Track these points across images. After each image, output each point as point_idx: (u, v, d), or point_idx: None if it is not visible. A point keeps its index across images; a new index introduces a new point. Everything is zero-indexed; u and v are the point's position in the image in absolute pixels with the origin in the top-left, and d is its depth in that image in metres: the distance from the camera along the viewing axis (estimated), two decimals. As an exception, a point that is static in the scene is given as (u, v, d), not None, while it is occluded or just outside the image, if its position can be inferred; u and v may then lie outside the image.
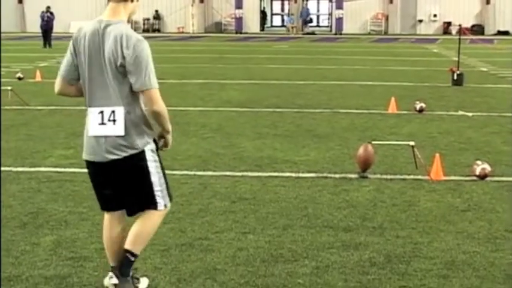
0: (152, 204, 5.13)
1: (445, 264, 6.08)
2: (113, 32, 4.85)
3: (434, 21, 58.82)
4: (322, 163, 10.04)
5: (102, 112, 4.91)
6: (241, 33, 57.50)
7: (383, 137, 11.89)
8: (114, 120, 4.89)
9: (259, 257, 6.20)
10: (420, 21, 58.93)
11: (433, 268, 5.98)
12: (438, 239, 6.76)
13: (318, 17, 67.04)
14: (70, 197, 8.17)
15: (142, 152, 5.01)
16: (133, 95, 4.91)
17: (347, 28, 57.05)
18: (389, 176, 9.25)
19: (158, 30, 60.65)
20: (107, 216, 5.26)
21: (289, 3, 62.46)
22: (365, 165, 9.24)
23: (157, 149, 5.18)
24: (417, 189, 8.65)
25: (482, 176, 9.06)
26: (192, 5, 59.74)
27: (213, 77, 22.60)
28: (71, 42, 5.07)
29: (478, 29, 55.92)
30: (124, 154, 4.93)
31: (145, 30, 60.99)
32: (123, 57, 4.80)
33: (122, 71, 4.84)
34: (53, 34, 39.92)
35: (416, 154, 9.40)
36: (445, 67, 23.14)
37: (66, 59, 5.09)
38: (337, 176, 9.28)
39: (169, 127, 5.17)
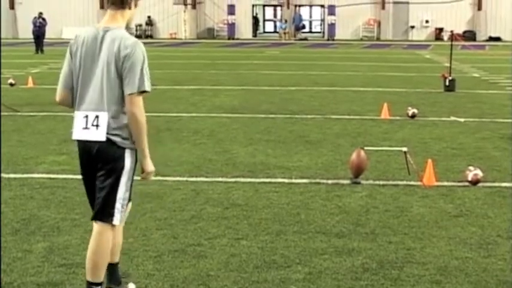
0: (108, 216, 5.04)
1: (437, 270, 6.09)
2: (111, 36, 4.94)
3: (426, 27, 59.00)
4: (315, 169, 10.05)
5: (86, 116, 4.96)
6: (233, 39, 57.55)
7: (375, 143, 11.91)
8: (97, 126, 4.91)
9: (252, 263, 6.20)
10: (412, 27, 59.08)
11: (425, 274, 5.98)
12: (431, 244, 6.77)
13: (310, 23, 67.10)
14: (62, 203, 8.15)
15: (123, 150, 4.98)
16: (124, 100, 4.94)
17: (339, 34, 57.18)
18: (381, 182, 9.26)
19: (151, 36, 60.65)
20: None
21: (281, 9, 62.52)
22: (357, 171, 9.25)
23: (135, 167, 5.14)
24: (410, 195, 8.66)
25: (475, 182, 9.08)
26: (185, 11, 59.75)
27: (206, 82, 22.60)
28: (68, 50, 5.10)
29: (469, 35, 56.08)
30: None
31: (137, 36, 60.77)
32: (120, 59, 4.88)
33: (118, 74, 4.90)
34: (45, 40, 39.89)
35: (408, 160, 9.41)
36: (437, 73, 23.20)
37: (64, 68, 5.12)
38: (329, 181, 9.29)
39: (145, 147, 5.01)
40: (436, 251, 6.57)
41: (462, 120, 14.74)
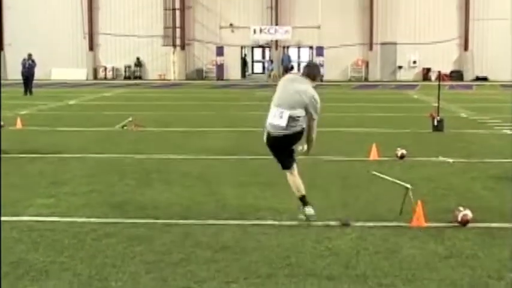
0: (291, 166, 9.55)
1: (428, 312, 6.06)
2: (304, 84, 9.39)
3: (414, 67, 59.49)
4: (305, 210, 10.00)
5: (281, 112, 9.26)
6: (222, 79, 57.81)
7: (364, 185, 11.90)
8: (281, 117, 9.24)
9: (242, 307, 6.15)
10: (400, 67, 59.56)
11: (416, 316, 5.96)
12: (421, 286, 6.75)
13: (298, 63, 67.47)
14: (51, 246, 8.10)
15: (293, 138, 9.36)
16: (300, 116, 9.25)
17: (328, 75, 57.51)
18: (371, 223, 9.25)
19: (139, 77, 60.86)
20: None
21: (270, 51, 62.91)
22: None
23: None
24: (400, 236, 8.65)
25: (464, 222, 9.09)
26: (173, 52, 60.08)
27: (194, 124, 22.64)
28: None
29: (456, 75, 56.61)
30: (284, 133, 9.29)
31: (126, 78, 61.18)
32: (308, 96, 9.25)
33: (303, 103, 9.23)
34: (34, 81, 39.92)
35: (409, 197, 9.42)
36: (425, 113, 23.29)
37: None
38: (319, 223, 9.27)
39: (313, 141, 9.67)
40: (427, 293, 6.54)
41: (451, 160, 14.77)
